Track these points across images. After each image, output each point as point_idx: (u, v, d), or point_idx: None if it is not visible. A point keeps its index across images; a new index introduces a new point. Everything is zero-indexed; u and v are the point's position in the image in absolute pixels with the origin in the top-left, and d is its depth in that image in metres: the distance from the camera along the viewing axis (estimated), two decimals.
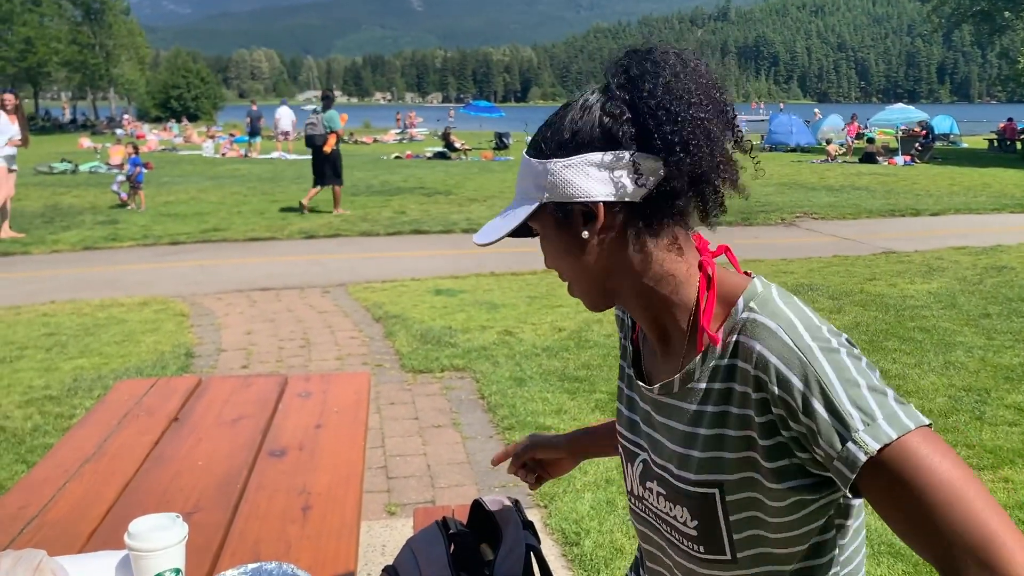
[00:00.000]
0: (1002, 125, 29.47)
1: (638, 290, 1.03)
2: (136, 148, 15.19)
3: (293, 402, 2.53)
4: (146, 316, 6.77)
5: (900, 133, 26.20)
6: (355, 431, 2.30)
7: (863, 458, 0.85)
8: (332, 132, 12.56)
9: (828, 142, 25.70)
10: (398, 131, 40.15)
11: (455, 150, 26.34)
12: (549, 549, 3.19)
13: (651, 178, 0.96)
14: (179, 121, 43.39)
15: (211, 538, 1.70)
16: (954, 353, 5.61)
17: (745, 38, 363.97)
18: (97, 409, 2.48)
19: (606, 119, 0.96)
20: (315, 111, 12.85)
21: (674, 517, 1.05)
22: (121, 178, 14.03)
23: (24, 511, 1.83)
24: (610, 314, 6.65)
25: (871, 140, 25.35)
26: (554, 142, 1.00)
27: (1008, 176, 19.49)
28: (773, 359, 0.92)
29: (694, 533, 1.03)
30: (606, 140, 0.96)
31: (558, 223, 1.02)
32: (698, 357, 1.01)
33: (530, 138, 1.07)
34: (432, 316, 6.74)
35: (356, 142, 35.18)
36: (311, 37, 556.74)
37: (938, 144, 26.50)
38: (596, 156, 0.96)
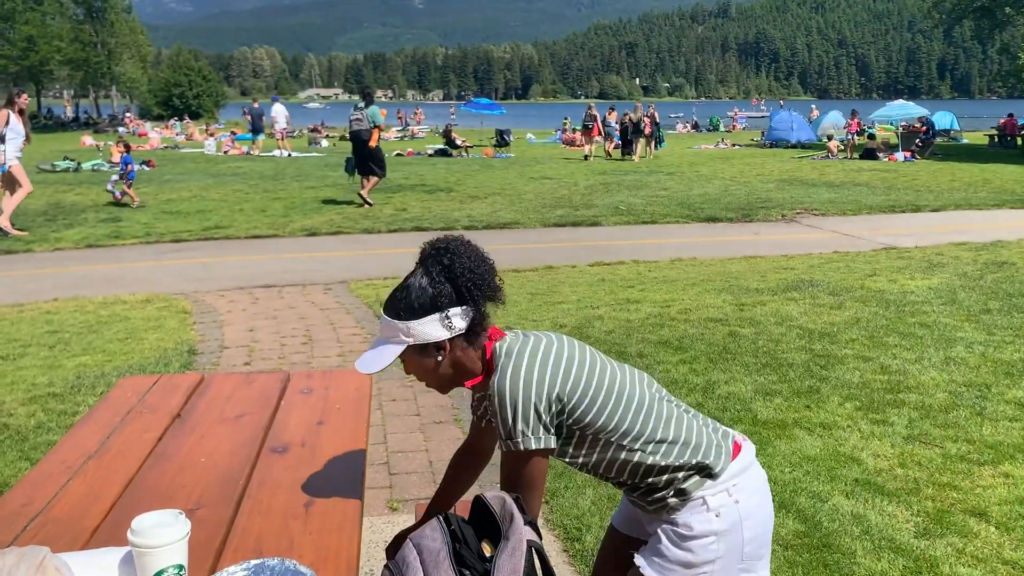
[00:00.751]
0: (1002, 121, 29.41)
1: (466, 376, 1.77)
2: (127, 146, 15.11)
3: (295, 399, 2.54)
4: (149, 313, 6.78)
5: (900, 129, 26.16)
6: (357, 427, 2.31)
7: (504, 450, 1.71)
8: (376, 127, 13.31)
9: (829, 138, 25.66)
10: (399, 128, 40.13)
11: (456, 147, 26.33)
12: (550, 545, 3.20)
13: (466, 318, 1.70)
14: (181, 119, 43.40)
15: (213, 535, 1.71)
16: (954, 349, 5.62)
17: (746, 34, 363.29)
18: (100, 406, 2.49)
19: (439, 293, 1.66)
20: (357, 107, 13.53)
21: None
22: (115, 177, 13.99)
23: (27, 508, 1.84)
24: (610, 311, 6.65)
25: (872, 136, 25.32)
26: (410, 309, 1.67)
27: (1008, 172, 19.46)
28: (491, 390, 1.71)
29: None
30: (442, 304, 1.66)
31: (419, 354, 1.71)
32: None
33: (386, 300, 1.72)
34: None
35: None
36: (312, 35, 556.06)
37: (938, 140, 26.44)
38: (438, 315, 1.67)
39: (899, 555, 3.06)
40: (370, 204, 13.32)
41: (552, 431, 1.71)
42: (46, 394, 4.84)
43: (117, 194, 13.64)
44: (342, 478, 1.98)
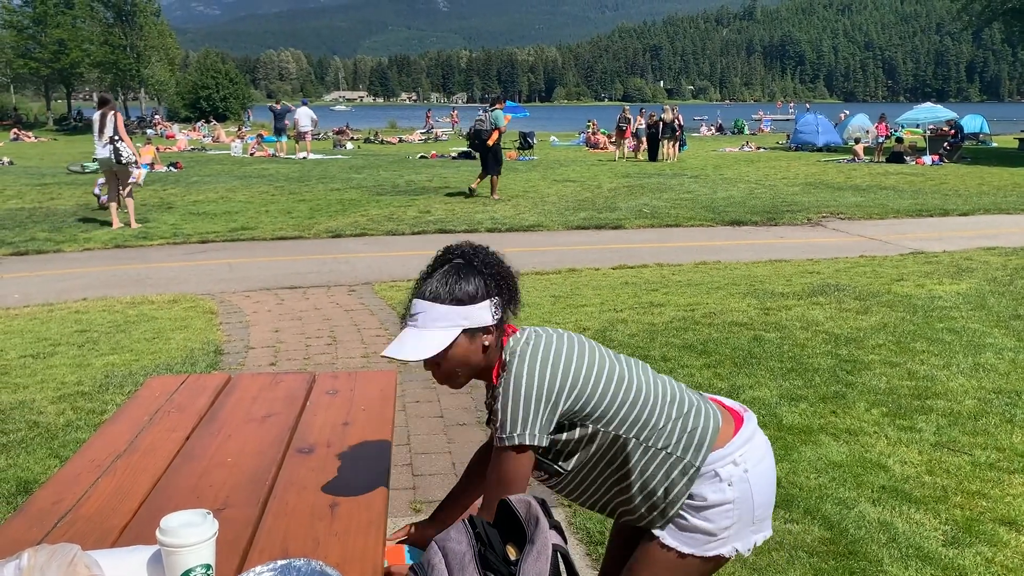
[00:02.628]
0: None
1: (491, 365, 1.82)
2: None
3: (321, 399, 2.55)
4: (176, 313, 6.84)
5: (928, 132, 25.89)
6: (382, 428, 2.32)
7: (496, 444, 1.75)
8: (496, 128, 14.66)
9: (857, 141, 25.43)
10: (423, 131, 40.29)
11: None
12: (574, 549, 3.19)
13: (501, 308, 1.79)
14: (208, 121, 43.80)
15: (240, 534, 1.72)
16: (984, 355, 5.54)
17: (771, 37, 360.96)
18: (128, 405, 2.52)
19: (487, 283, 1.77)
20: (484, 110, 15.12)
21: None
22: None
23: (57, 506, 1.86)
24: (634, 314, 6.62)
25: (899, 139, 25.08)
26: (466, 295, 1.75)
27: None
28: (504, 380, 1.75)
29: None
30: (491, 292, 1.77)
31: (469, 339, 1.76)
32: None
33: (429, 289, 1.79)
34: None
35: (382, 142, 35.35)
36: (338, 38, 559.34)
37: (967, 143, 26.13)
38: (488, 302, 1.76)
39: (927, 564, 3.02)
40: (471, 194, 14.75)
41: (547, 434, 1.76)
42: (75, 392, 4.91)
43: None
44: (367, 479, 1.99)
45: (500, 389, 1.74)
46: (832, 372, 5.20)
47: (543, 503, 1.62)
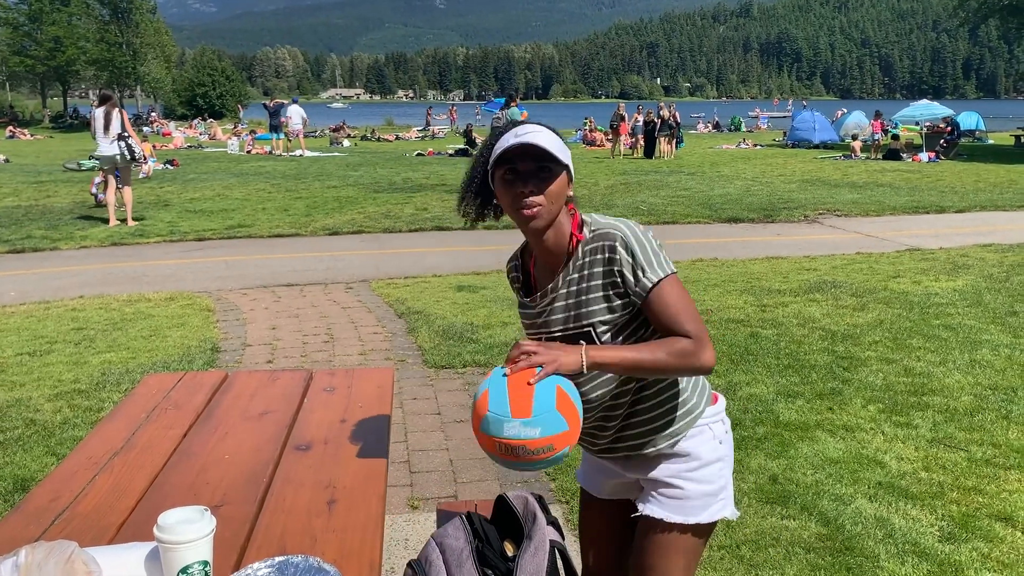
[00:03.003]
0: None
1: (563, 223, 1.81)
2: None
3: (318, 397, 2.55)
4: (172, 311, 6.84)
5: (925, 129, 25.91)
6: (379, 425, 2.31)
7: (649, 286, 1.70)
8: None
9: (855, 138, 25.44)
10: (420, 128, 40.27)
11: (477, 147, 26.37)
12: (571, 544, 3.20)
13: None
14: (204, 119, 43.76)
15: (237, 531, 1.72)
16: (980, 351, 5.56)
17: (768, 34, 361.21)
18: (125, 403, 2.52)
19: None
20: (501, 107, 15.78)
21: None
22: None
23: (55, 503, 1.86)
24: None
25: (896, 136, 25.08)
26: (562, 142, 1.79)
27: None
28: (611, 235, 1.73)
29: None
30: None
31: (568, 177, 1.78)
32: (571, 259, 1.80)
33: (539, 130, 1.78)
34: (454, 312, 6.76)
35: (379, 139, 35.32)
36: (335, 35, 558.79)
37: (963, 140, 26.14)
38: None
39: (923, 559, 3.03)
40: None
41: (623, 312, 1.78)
42: (72, 390, 4.90)
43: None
44: (364, 476, 1.99)
45: (617, 243, 1.72)
46: (829, 368, 5.21)
47: (540, 499, 1.63)
